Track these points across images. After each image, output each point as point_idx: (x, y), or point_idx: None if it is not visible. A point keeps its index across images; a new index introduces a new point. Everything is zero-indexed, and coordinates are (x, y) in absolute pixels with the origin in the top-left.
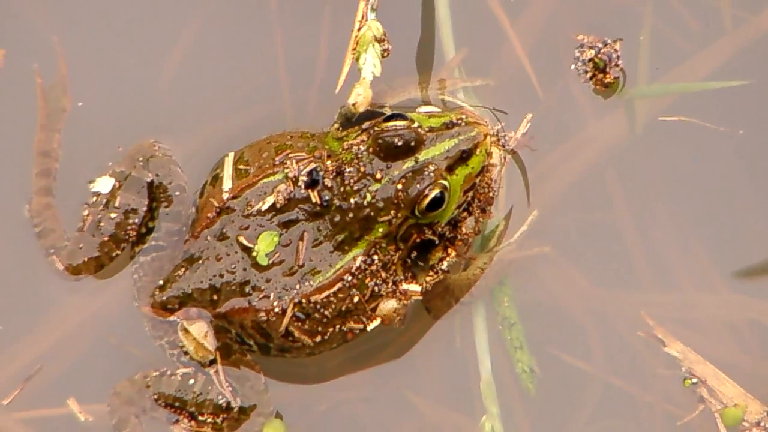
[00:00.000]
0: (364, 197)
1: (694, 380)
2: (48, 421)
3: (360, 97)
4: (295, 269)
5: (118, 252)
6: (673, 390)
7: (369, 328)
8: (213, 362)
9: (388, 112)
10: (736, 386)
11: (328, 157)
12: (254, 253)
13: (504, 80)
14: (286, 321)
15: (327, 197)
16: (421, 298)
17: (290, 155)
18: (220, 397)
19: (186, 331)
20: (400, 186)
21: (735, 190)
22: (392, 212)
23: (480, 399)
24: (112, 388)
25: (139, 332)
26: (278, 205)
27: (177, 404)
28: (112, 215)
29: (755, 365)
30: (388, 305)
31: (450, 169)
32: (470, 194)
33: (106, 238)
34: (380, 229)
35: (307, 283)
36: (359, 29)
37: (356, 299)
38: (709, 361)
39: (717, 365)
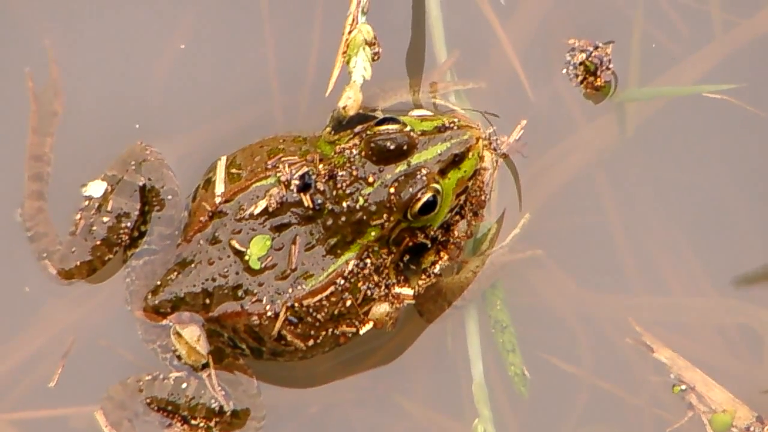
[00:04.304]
0: (357, 201)
1: (683, 387)
2: (38, 423)
3: (350, 101)
4: (287, 273)
5: (111, 256)
6: (662, 394)
7: (362, 332)
8: (205, 366)
9: (380, 115)
10: (724, 391)
11: (321, 160)
12: (247, 257)
13: (495, 83)
14: (278, 325)
15: (319, 201)
16: (413, 301)
17: (282, 159)
18: (212, 401)
19: (178, 335)
20: (392, 190)
21: (725, 194)
22: (384, 216)
23: (470, 402)
24: (104, 391)
25: (132, 336)
26: (271, 209)
27: (170, 408)
28: (105, 219)
29: (745, 369)
30: (381, 309)
31: (442, 172)
32: (462, 198)
33: (98, 242)
34: (373, 233)
35: (299, 287)
36: (349, 32)
37: (349, 303)
38: (698, 364)
39: (706, 369)
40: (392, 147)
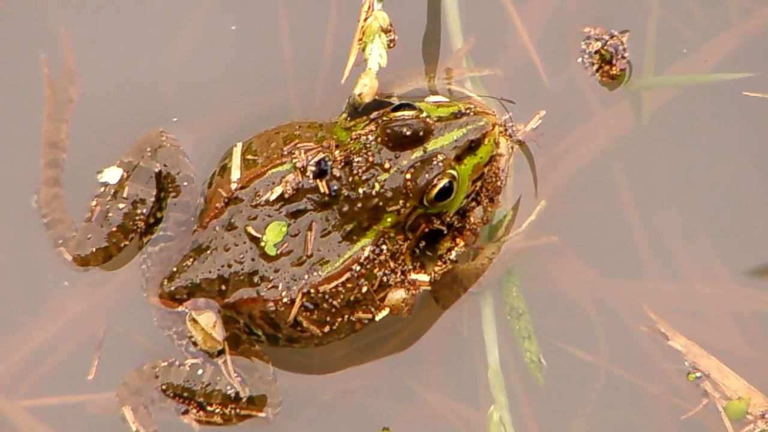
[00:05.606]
0: (373, 187)
1: (698, 374)
2: (53, 410)
3: (366, 88)
4: (303, 259)
5: (126, 242)
6: (678, 382)
7: (377, 318)
8: (221, 352)
9: (396, 102)
10: (739, 379)
11: (337, 147)
12: (262, 243)
13: (511, 70)
14: (294, 311)
15: (335, 187)
16: (429, 287)
17: (298, 145)
18: (228, 387)
19: (194, 321)
20: (408, 176)
21: (740, 181)
22: (401, 202)
23: (486, 389)
24: (120, 378)
25: (148, 322)
26: (286, 195)
27: (185, 395)
28: (121, 206)
29: (760, 356)
30: (397, 295)
31: (458, 158)
32: (478, 184)
33: (114, 229)
34: (389, 219)
35: (315, 273)
36: (365, 19)
37: (365, 289)
38: (713, 352)
39: (721, 356)
40: (408, 133)
